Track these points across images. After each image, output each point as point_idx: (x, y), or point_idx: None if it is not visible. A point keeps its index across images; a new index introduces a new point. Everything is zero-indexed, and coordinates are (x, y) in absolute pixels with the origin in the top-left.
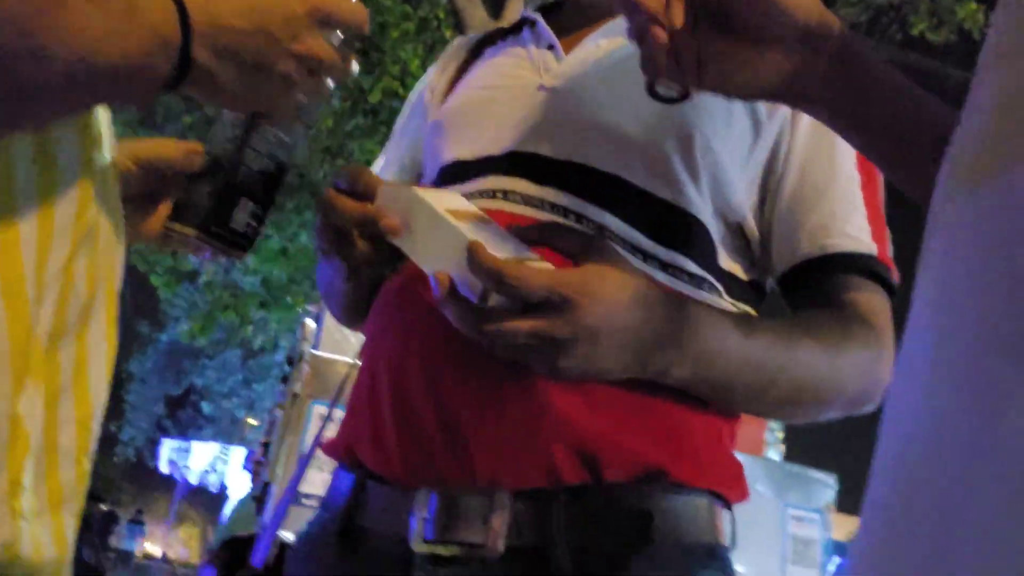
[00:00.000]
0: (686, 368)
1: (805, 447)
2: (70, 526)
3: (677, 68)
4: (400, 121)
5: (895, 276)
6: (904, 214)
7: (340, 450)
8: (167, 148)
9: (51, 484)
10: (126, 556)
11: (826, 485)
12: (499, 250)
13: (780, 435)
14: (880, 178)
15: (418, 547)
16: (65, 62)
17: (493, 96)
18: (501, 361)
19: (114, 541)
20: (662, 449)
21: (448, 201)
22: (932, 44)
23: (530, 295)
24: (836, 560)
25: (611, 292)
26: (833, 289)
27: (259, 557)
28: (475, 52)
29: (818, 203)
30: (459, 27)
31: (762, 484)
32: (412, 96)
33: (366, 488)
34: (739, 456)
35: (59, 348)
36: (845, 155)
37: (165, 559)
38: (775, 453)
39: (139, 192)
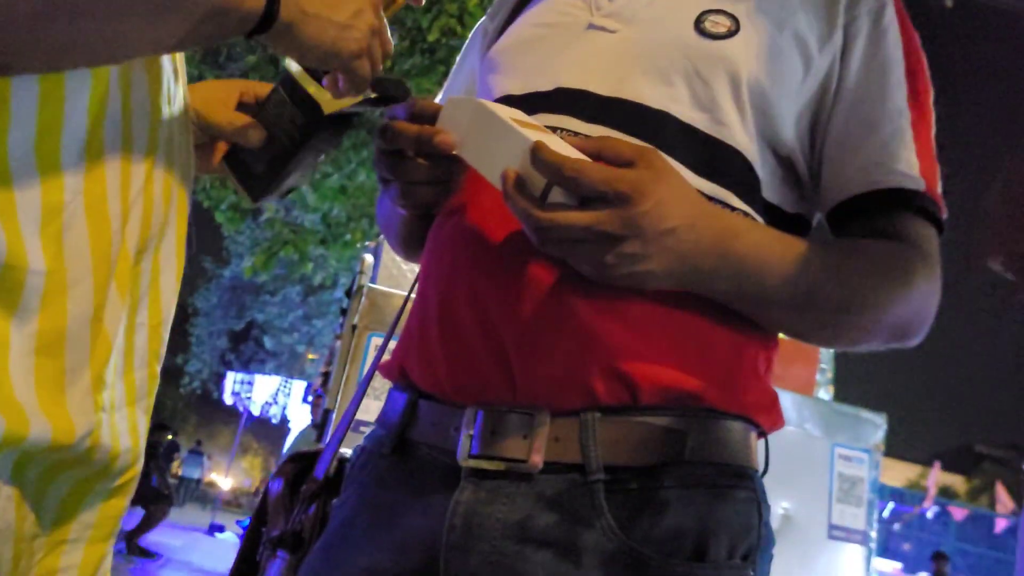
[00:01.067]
0: (726, 280)
1: (856, 389)
2: (142, 422)
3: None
4: (458, 60)
5: (943, 211)
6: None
7: (394, 371)
8: (222, 115)
9: (128, 381)
10: (188, 483)
11: (875, 425)
12: (566, 152)
13: (831, 375)
14: (932, 114)
15: (464, 461)
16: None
17: (544, 34)
18: (546, 285)
19: (176, 468)
20: (698, 375)
21: (511, 113)
22: None
23: (589, 187)
24: (890, 505)
25: (664, 193)
26: (881, 224)
27: (321, 469)
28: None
29: (868, 138)
30: None
31: (811, 423)
32: (471, 35)
33: (417, 406)
34: (789, 395)
35: (141, 261)
36: (896, 90)
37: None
38: (825, 393)
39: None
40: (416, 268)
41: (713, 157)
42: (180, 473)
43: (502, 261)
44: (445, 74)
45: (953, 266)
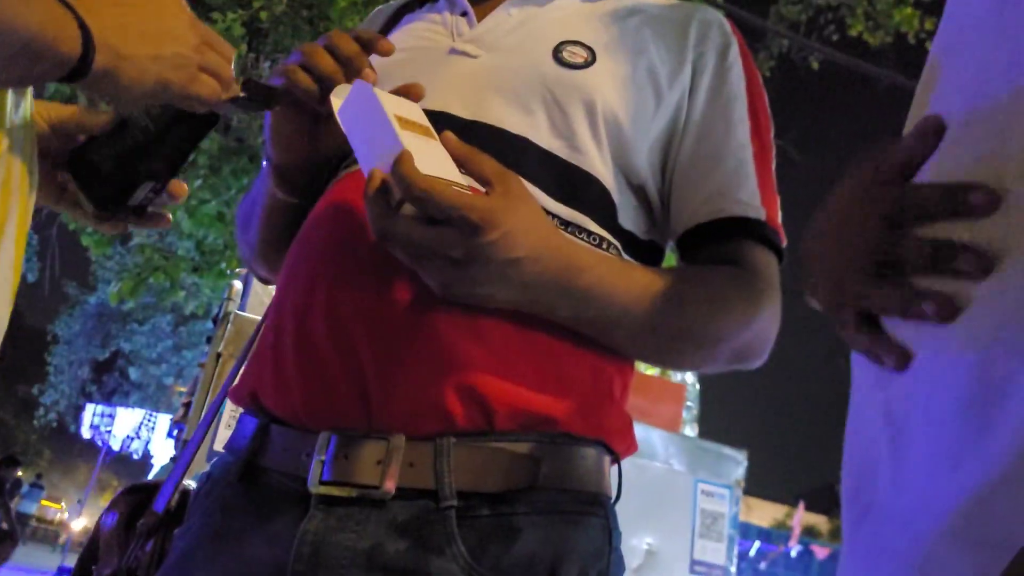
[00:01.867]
0: (568, 307)
1: (720, 427)
2: None
3: None
4: None
5: (782, 239)
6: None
7: (244, 396)
8: (84, 113)
9: None
10: (24, 519)
11: (737, 462)
12: (430, 167)
13: (696, 412)
14: (772, 148)
15: (315, 488)
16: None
17: (407, 57)
18: (404, 306)
19: (16, 504)
20: (555, 399)
21: (405, 109)
22: (869, 46)
23: (435, 210)
24: (756, 544)
25: (514, 224)
26: (725, 251)
27: (161, 502)
28: (395, 18)
29: (713, 170)
30: None
31: (676, 459)
32: None
33: (268, 431)
34: (656, 431)
35: None
36: (739, 125)
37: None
38: (690, 430)
39: (48, 150)
40: None
41: (571, 183)
42: (20, 509)
43: (362, 278)
44: None
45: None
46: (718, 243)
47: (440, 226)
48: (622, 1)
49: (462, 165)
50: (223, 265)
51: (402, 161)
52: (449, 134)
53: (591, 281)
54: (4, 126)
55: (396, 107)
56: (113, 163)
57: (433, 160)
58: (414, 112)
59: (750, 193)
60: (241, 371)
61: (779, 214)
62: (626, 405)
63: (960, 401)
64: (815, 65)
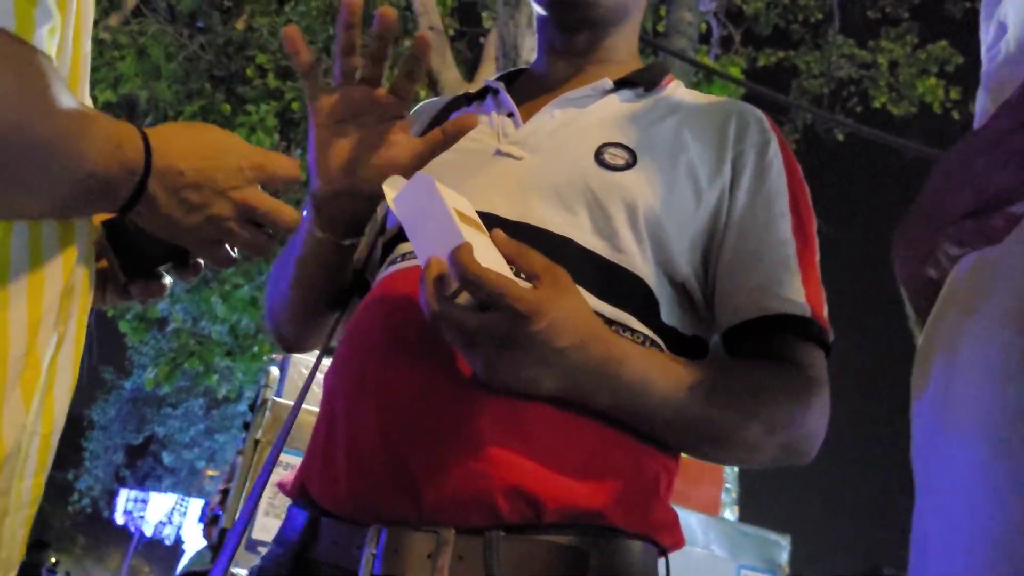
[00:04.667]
0: (607, 397)
1: (761, 510)
2: (20, 533)
3: None
4: None
5: (829, 335)
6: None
7: (295, 489)
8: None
9: (17, 490)
10: None
11: (780, 546)
12: (484, 260)
13: (736, 495)
14: (815, 242)
15: None
16: (64, 174)
17: (454, 159)
18: (451, 402)
19: None
20: (601, 494)
21: (460, 204)
22: (893, 116)
23: (488, 297)
24: None
25: (560, 313)
26: (770, 347)
27: None
28: (443, 116)
29: (756, 267)
30: (432, 87)
31: (717, 544)
32: None
33: (319, 523)
34: (695, 515)
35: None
36: (781, 220)
37: None
38: (731, 514)
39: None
40: (321, 381)
41: (613, 282)
42: None
43: (411, 373)
44: None
45: (856, 389)
46: (763, 340)
47: (491, 312)
48: (661, 101)
49: (511, 261)
50: (256, 349)
51: (461, 251)
52: (499, 232)
53: (631, 371)
54: (75, 239)
55: (454, 201)
56: (147, 236)
57: (486, 254)
58: (467, 207)
59: (794, 289)
60: (283, 460)
61: (825, 308)
62: (671, 498)
63: None
64: (841, 137)
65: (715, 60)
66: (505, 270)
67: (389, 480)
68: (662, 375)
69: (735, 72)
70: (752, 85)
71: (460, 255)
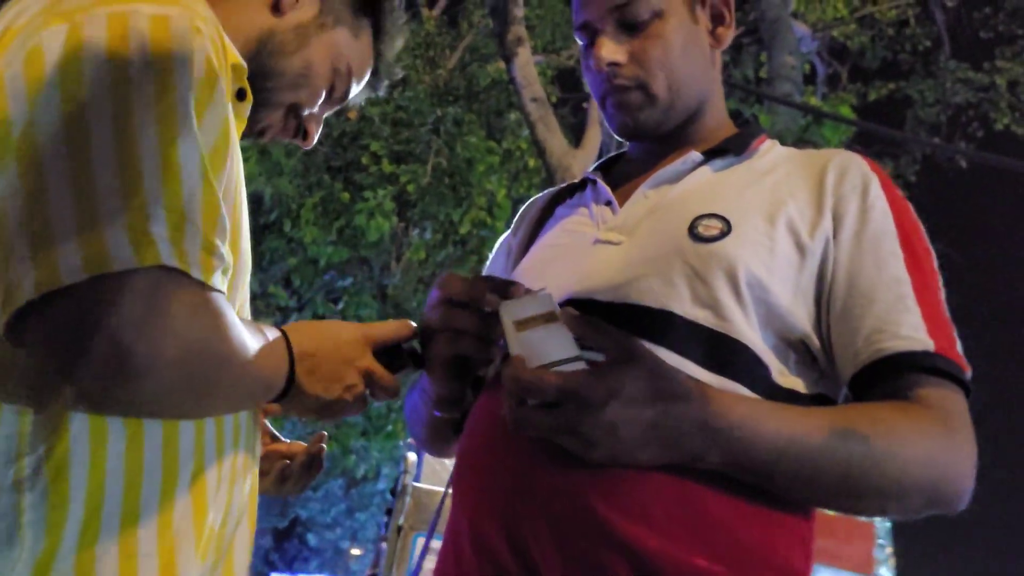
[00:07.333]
0: (717, 454)
1: (922, 564)
2: None
3: None
4: (486, 268)
5: (963, 370)
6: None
7: None
8: (293, 447)
9: None
10: None
11: None
12: (543, 356)
13: (890, 550)
14: (936, 276)
15: None
16: (240, 381)
17: (556, 253)
18: (570, 498)
19: None
20: (724, 565)
21: (529, 308)
22: (1018, 136)
23: (544, 397)
24: None
25: (631, 390)
26: (896, 389)
27: None
28: (550, 209)
29: (868, 309)
30: (541, 155)
31: None
32: (496, 246)
33: None
34: None
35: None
36: (891, 259)
37: None
38: (887, 571)
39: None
40: None
41: (718, 351)
42: None
43: (524, 478)
44: (478, 262)
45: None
46: (888, 384)
47: (561, 408)
48: (756, 162)
49: (581, 339)
50: (390, 428)
51: (508, 365)
52: (568, 312)
53: (735, 421)
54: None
55: (520, 310)
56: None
57: (549, 345)
58: (542, 303)
59: (913, 327)
60: (428, 554)
61: (956, 343)
62: (810, 565)
63: None
64: (963, 163)
65: (823, 100)
66: (572, 352)
67: (514, 571)
68: (772, 421)
69: (845, 110)
70: (862, 123)
71: (507, 369)
